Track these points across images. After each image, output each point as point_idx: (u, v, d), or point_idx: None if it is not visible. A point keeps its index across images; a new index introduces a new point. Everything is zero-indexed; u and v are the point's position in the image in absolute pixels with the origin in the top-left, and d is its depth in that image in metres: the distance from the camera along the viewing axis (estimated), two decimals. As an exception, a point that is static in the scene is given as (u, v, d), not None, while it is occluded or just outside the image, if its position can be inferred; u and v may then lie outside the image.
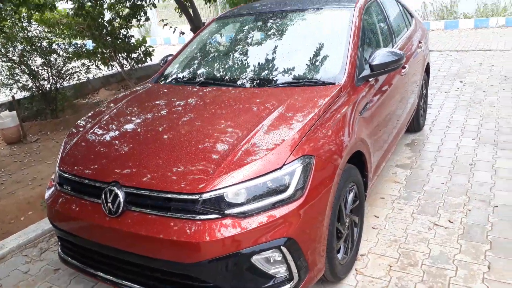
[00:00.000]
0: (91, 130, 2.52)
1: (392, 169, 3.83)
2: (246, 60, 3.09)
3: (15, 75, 6.88)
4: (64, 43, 7.51)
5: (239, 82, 2.79)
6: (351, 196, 2.41)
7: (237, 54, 3.21)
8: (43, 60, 7.00)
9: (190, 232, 1.79)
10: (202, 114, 2.41)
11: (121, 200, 1.94)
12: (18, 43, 6.85)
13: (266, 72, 2.81)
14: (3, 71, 6.91)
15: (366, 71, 2.69)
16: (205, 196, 1.81)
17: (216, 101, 2.56)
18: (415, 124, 4.52)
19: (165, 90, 2.99)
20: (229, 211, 1.79)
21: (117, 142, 2.34)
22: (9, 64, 6.83)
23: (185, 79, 3.06)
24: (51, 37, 7.41)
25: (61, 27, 7.72)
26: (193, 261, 1.79)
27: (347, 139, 2.23)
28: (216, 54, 3.36)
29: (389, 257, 2.61)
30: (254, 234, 1.79)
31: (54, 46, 7.32)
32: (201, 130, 2.21)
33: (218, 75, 3.01)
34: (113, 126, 2.54)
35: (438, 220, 2.95)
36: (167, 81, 3.12)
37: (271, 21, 3.26)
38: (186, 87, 2.92)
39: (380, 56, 2.68)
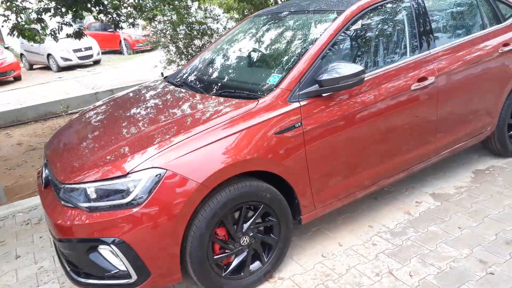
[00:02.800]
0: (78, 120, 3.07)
1: (422, 196, 3.24)
2: (216, 64, 3.15)
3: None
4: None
5: (199, 86, 2.91)
6: (255, 215, 2.34)
7: (219, 58, 3.27)
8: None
9: (56, 212, 2.18)
10: (130, 115, 2.72)
11: (44, 177, 2.48)
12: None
13: (220, 78, 2.88)
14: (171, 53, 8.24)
15: (314, 87, 2.42)
16: (66, 187, 2.16)
17: (155, 103, 2.80)
18: (499, 148, 3.58)
19: (153, 88, 3.23)
20: (79, 204, 2.10)
21: (71, 130, 2.87)
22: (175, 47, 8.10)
23: (178, 79, 3.30)
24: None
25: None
26: (55, 236, 2.19)
27: (228, 158, 2.16)
28: (211, 56, 3.44)
29: (301, 289, 2.40)
30: (93, 227, 2.04)
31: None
32: (111, 129, 2.54)
33: (190, 78, 3.16)
34: (84, 120, 2.99)
35: (399, 269, 2.47)
36: (170, 78, 3.40)
37: (270, 24, 3.18)
38: (167, 87, 3.14)
39: (332, 70, 2.37)
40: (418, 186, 3.40)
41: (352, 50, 2.71)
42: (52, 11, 5.81)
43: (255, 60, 3.00)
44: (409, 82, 2.76)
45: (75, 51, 14.37)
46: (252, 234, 2.37)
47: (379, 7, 2.81)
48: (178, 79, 3.20)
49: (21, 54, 16.02)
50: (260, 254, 2.44)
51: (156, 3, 7.06)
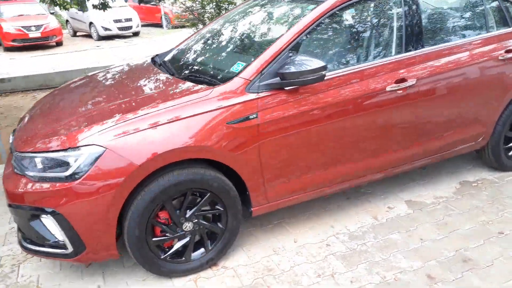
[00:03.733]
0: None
1: (396, 202, 3.12)
2: (196, 48, 3.12)
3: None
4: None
5: (172, 68, 2.91)
6: (200, 202, 2.35)
7: (200, 42, 3.24)
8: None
9: (8, 178, 2.29)
10: (96, 92, 2.78)
11: (10, 143, 2.60)
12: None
13: (192, 62, 2.89)
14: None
15: (275, 79, 2.37)
16: (17, 155, 2.25)
17: (124, 83, 2.85)
18: (492, 160, 3.37)
19: (135, 67, 3.25)
20: (26, 172, 2.19)
21: (43, 101, 2.96)
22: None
23: (161, 59, 3.29)
24: None
25: None
26: (6, 201, 2.31)
27: (170, 143, 2.16)
28: (196, 38, 3.40)
29: (239, 279, 2.40)
30: (35, 196, 2.13)
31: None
32: (73, 104, 2.61)
33: (169, 59, 3.16)
34: (56, 93, 3.06)
35: (343, 273, 2.42)
36: (156, 58, 3.39)
37: (257, 11, 3.11)
38: (149, 67, 3.13)
39: (293, 64, 2.30)
40: (396, 191, 3.29)
41: (324, 45, 2.62)
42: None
43: (230, 47, 2.96)
44: (384, 83, 2.63)
45: (116, 21, 14.74)
46: (196, 220, 2.39)
47: (362, 1, 2.67)
48: (160, 60, 3.22)
49: (67, 21, 16.64)
50: (204, 241, 2.46)
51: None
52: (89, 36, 15.67)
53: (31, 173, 2.16)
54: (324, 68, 2.29)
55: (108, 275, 2.49)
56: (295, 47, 2.45)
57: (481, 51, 2.96)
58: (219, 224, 2.48)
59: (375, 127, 2.68)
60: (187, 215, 2.36)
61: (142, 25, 16.35)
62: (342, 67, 2.58)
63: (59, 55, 12.10)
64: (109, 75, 3.14)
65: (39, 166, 2.15)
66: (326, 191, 2.75)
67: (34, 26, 12.97)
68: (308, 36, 2.51)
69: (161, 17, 17.60)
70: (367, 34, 2.70)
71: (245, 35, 2.97)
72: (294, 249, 2.66)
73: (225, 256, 2.59)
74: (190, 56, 3.03)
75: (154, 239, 2.31)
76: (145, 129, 2.16)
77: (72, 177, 2.09)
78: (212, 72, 2.60)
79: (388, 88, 2.63)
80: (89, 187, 2.08)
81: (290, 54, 2.40)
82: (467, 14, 3.06)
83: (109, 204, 2.11)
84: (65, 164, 2.11)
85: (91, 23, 14.90)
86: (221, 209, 2.43)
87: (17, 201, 2.19)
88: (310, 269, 2.47)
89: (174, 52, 3.30)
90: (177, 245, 2.40)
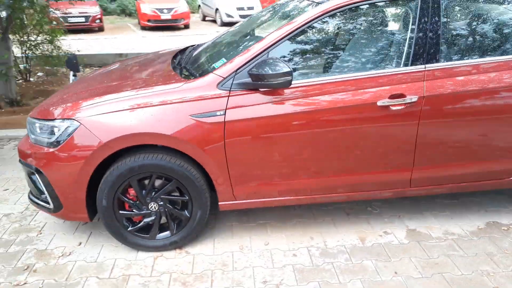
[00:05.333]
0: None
1: (397, 229, 2.84)
2: (211, 45, 3.21)
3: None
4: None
5: (179, 61, 3.09)
6: (167, 186, 2.51)
7: (219, 40, 3.29)
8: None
9: (23, 138, 2.74)
10: (108, 74, 3.09)
11: None
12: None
13: (195, 58, 3.05)
14: None
15: (247, 79, 2.37)
16: (28, 119, 2.67)
17: (136, 68, 3.11)
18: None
19: (159, 55, 3.46)
20: (30, 134, 2.60)
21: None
22: None
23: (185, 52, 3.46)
24: None
25: None
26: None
27: (136, 127, 2.34)
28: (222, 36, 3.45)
29: (192, 266, 2.50)
30: (30, 155, 2.53)
31: None
32: (86, 84, 2.91)
33: (188, 53, 3.32)
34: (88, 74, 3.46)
35: (291, 286, 2.34)
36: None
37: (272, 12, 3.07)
38: (168, 57, 3.30)
39: (262, 66, 2.28)
40: (406, 217, 2.99)
41: (306, 52, 2.51)
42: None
43: (231, 45, 2.98)
44: (375, 96, 2.41)
45: (238, 9, 15.48)
46: (162, 203, 2.55)
47: (360, 7, 2.47)
48: (180, 52, 3.41)
49: (199, 6, 18.04)
50: (169, 224, 2.61)
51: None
52: (214, 21, 16.77)
53: (32, 136, 2.56)
54: (288, 73, 2.22)
55: (92, 236, 2.82)
56: (275, 50, 2.41)
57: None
58: (186, 212, 2.59)
59: (355, 143, 2.49)
60: (153, 196, 2.52)
61: (265, 14, 16.84)
62: (320, 76, 2.45)
63: (182, 37, 13.25)
64: (133, 61, 3.43)
65: (37, 130, 2.53)
66: (303, 199, 2.65)
67: (166, 8, 14.39)
68: (291, 41, 2.44)
69: (284, 7, 17.88)
70: (357, 43, 2.50)
71: (246, 34, 2.99)
72: (260, 251, 2.64)
73: (193, 243, 2.71)
74: (202, 51, 3.15)
75: (121, 211, 2.55)
76: (117, 110, 2.37)
77: (54, 143, 2.42)
78: (199, 67, 2.69)
79: (379, 103, 2.41)
80: (65, 154, 2.39)
81: (268, 57, 2.36)
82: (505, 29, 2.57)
83: (78, 173, 2.40)
84: (52, 132, 2.45)
85: (217, 9, 15.90)
86: (186, 197, 2.54)
87: (21, 158, 2.62)
88: (261, 273, 2.45)
89: (200, 46, 3.45)
90: (144, 221, 2.60)
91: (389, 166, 2.60)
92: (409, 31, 2.47)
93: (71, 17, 13.28)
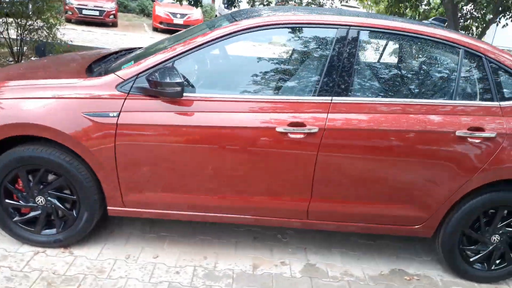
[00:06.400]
0: None
1: (297, 261, 2.73)
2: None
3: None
4: None
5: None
6: (54, 181, 2.48)
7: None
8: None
9: None
10: (46, 64, 3.07)
11: None
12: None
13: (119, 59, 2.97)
14: None
15: (144, 84, 2.32)
16: None
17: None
18: (444, 258, 2.69)
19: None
20: None
21: None
22: None
23: None
24: None
25: None
26: None
27: (21, 117, 2.31)
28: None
29: (67, 268, 2.43)
30: None
31: None
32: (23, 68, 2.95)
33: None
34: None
35: None
36: None
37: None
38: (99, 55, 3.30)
39: (159, 73, 2.23)
40: (312, 250, 2.87)
41: (216, 67, 2.47)
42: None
43: (149, 51, 2.91)
44: (276, 121, 2.34)
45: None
46: (50, 198, 2.49)
47: (272, 30, 2.41)
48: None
49: (216, 15, 18.27)
50: (55, 221, 2.55)
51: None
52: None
53: None
54: (179, 84, 2.17)
55: None
56: (181, 62, 2.37)
57: (436, 119, 2.39)
58: (74, 211, 2.53)
59: (254, 166, 2.41)
60: (40, 190, 2.47)
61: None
62: (224, 93, 2.40)
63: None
64: (82, 53, 3.43)
65: None
66: (208, 217, 2.59)
67: (180, 14, 14.58)
68: (198, 55, 2.40)
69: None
70: (266, 66, 2.44)
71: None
72: (144, 264, 2.56)
73: (81, 245, 2.65)
74: (132, 53, 3.11)
75: (7, 200, 2.50)
76: (12, 98, 2.35)
77: None
78: (111, 68, 2.65)
79: (278, 129, 2.33)
80: None
81: (169, 66, 2.32)
82: (433, 75, 2.49)
83: None
84: None
85: (231, 21, 16.07)
86: (74, 196, 2.48)
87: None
88: (133, 287, 2.36)
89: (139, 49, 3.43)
90: (30, 214, 2.54)
91: (288, 194, 2.50)
92: (321, 61, 2.41)
93: (86, 9, 13.59)
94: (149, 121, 2.33)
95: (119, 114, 2.32)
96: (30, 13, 8.00)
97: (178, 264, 2.59)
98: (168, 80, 2.19)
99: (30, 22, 8.19)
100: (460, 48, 2.45)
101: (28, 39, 8.22)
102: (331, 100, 2.38)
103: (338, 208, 2.52)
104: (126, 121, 2.32)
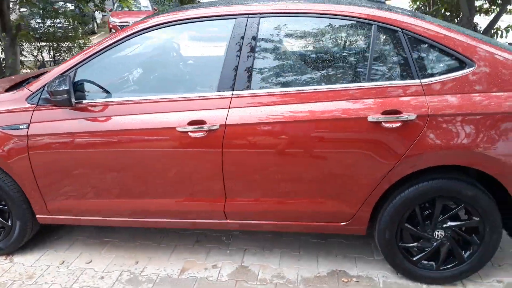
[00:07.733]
0: None
1: (231, 264, 2.63)
2: None
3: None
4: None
5: None
6: None
7: None
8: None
9: None
10: None
11: None
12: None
13: None
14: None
15: (44, 95, 2.38)
16: None
17: None
18: (386, 258, 2.44)
19: None
20: None
21: None
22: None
23: None
24: None
25: None
26: None
27: None
28: None
29: (1, 274, 2.55)
30: None
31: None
32: None
33: None
34: None
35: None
36: None
37: None
38: None
39: (58, 82, 2.27)
40: (252, 251, 2.74)
41: (118, 70, 2.46)
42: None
43: None
44: (175, 121, 2.28)
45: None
46: (-12, 206, 2.64)
47: (170, 26, 2.34)
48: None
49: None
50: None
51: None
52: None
53: None
54: (64, 92, 2.19)
55: None
56: (85, 69, 2.40)
57: (342, 104, 2.17)
58: (9, 221, 2.65)
59: (162, 168, 2.36)
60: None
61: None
62: (124, 96, 2.38)
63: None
64: (25, 74, 3.59)
65: None
66: (138, 222, 2.59)
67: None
68: (99, 60, 2.40)
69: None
70: (165, 64, 2.37)
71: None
72: (75, 269, 2.61)
73: (23, 252, 2.77)
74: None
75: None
76: None
77: None
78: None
79: (178, 129, 2.26)
80: None
81: (65, 75, 2.35)
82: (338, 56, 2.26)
83: None
84: None
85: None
86: (5, 207, 2.61)
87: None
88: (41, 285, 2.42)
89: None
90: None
91: (204, 195, 2.42)
92: (220, 54, 2.30)
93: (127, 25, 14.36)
94: (56, 130, 2.38)
95: (29, 125, 2.40)
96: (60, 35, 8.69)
97: (107, 269, 2.61)
98: (57, 88, 2.22)
99: (61, 44, 8.87)
100: (372, 24, 2.21)
101: (61, 59, 8.90)
102: (232, 95, 2.26)
103: (253, 207, 2.38)
104: (36, 132, 2.39)
